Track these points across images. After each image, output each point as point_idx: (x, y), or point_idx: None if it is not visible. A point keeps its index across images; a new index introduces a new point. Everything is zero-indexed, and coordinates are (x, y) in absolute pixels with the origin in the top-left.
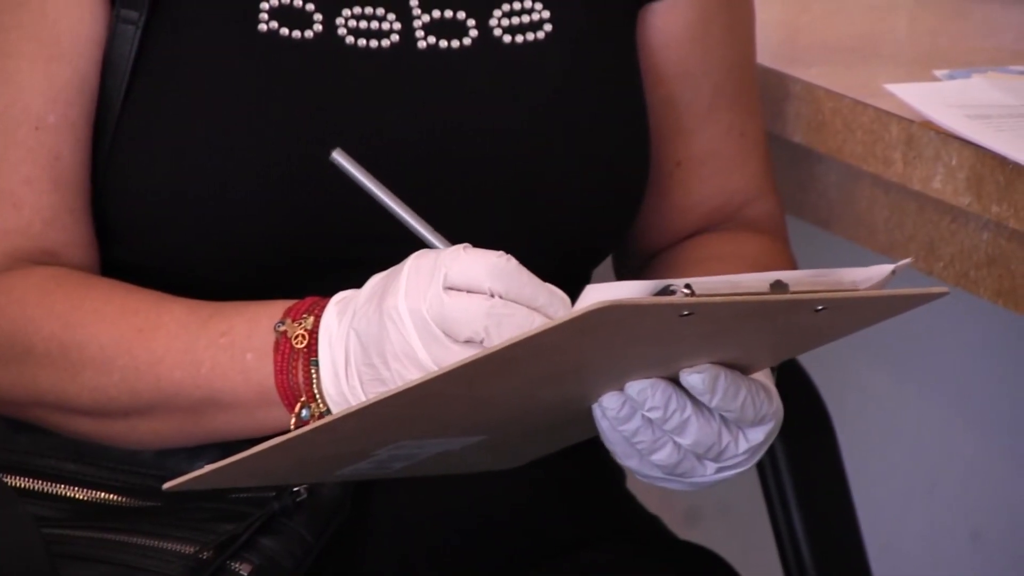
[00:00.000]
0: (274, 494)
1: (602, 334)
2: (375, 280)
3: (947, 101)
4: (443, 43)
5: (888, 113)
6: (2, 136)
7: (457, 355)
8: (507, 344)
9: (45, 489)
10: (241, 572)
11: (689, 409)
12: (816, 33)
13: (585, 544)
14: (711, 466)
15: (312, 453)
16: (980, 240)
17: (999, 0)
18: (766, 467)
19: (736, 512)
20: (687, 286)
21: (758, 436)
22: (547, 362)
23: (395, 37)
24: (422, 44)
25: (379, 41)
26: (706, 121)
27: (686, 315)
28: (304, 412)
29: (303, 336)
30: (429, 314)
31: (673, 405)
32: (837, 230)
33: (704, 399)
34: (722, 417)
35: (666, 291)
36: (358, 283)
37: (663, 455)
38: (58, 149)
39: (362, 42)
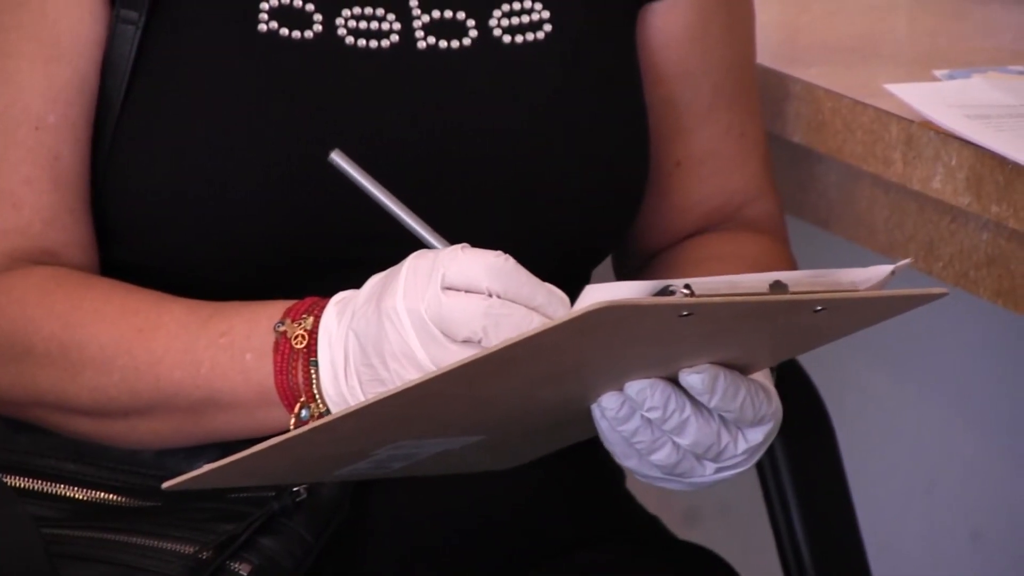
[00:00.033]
0: (274, 494)
1: (601, 334)
2: (374, 280)
3: (947, 101)
4: (443, 43)
5: (888, 113)
6: (2, 136)
7: (455, 355)
8: (506, 344)
9: (45, 489)
10: (241, 572)
11: (688, 409)
12: (816, 33)
13: (584, 544)
14: (710, 466)
15: (311, 453)
16: (980, 240)
17: (999, 0)
18: (766, 467)
19: (736, 512)
20: (686, 286)
21: (757, 436)
22: (546, 362)
23: (395, 37)
24: (422, 44)
25: (379, 41)
26: (706, 121)
27: (685, 315)
28: (304, 412)
29: (303, 336)
30: (427, 314)
31: (672, 405)
32: (837, 230)
33: (703, 399)
34: (721, 417)
35: (665, 291)
36: (358, 283)
37: (662, 455)
38: (58, 149)
39: (362, 42)
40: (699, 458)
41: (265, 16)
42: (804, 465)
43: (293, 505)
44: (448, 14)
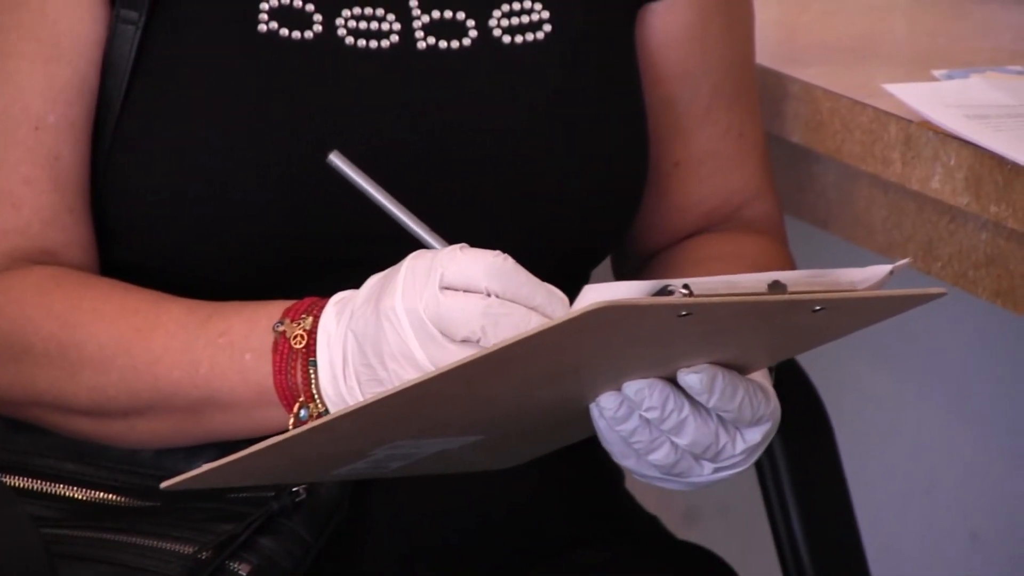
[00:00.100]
0: (273, 494)
1: (600, 334)
2: (373, 280)
3: (946, 101)
4: (443, 43)
5: (887, 113)
6: (2, 136)
7: (454, 355)
8: (505, 344)
9: (44, 489)
10: (240, 572)
11: (687, 409)
12: (815, 33)
13: (583, 544)
14: (708, 466)
15: (310, 453)
16: (979, 240)
17: (998, 0)
18: (765, 467)
19: (735, 512)
20: (685, 286)
21: (755, 436)
22: (545, 362)
23: (395, 38)
24: (422, 45)
25: (379, 42)
26: (705, 121)
27: (684, 315)
28: (302, 412)
29: (302, 336)
30: (426, 314)
31: (671, 405)
32: (835, 230)
33: (702, 399)
34: (719, 417)
35: (664, 291)
36: (357, 283)
37: (660, 455)
38: (58, 149)
39: (362, 43)
40: (697, 458)
41: (265, 16)
42: (803, 465)
43: (292, 505)
44: (448, 14)
